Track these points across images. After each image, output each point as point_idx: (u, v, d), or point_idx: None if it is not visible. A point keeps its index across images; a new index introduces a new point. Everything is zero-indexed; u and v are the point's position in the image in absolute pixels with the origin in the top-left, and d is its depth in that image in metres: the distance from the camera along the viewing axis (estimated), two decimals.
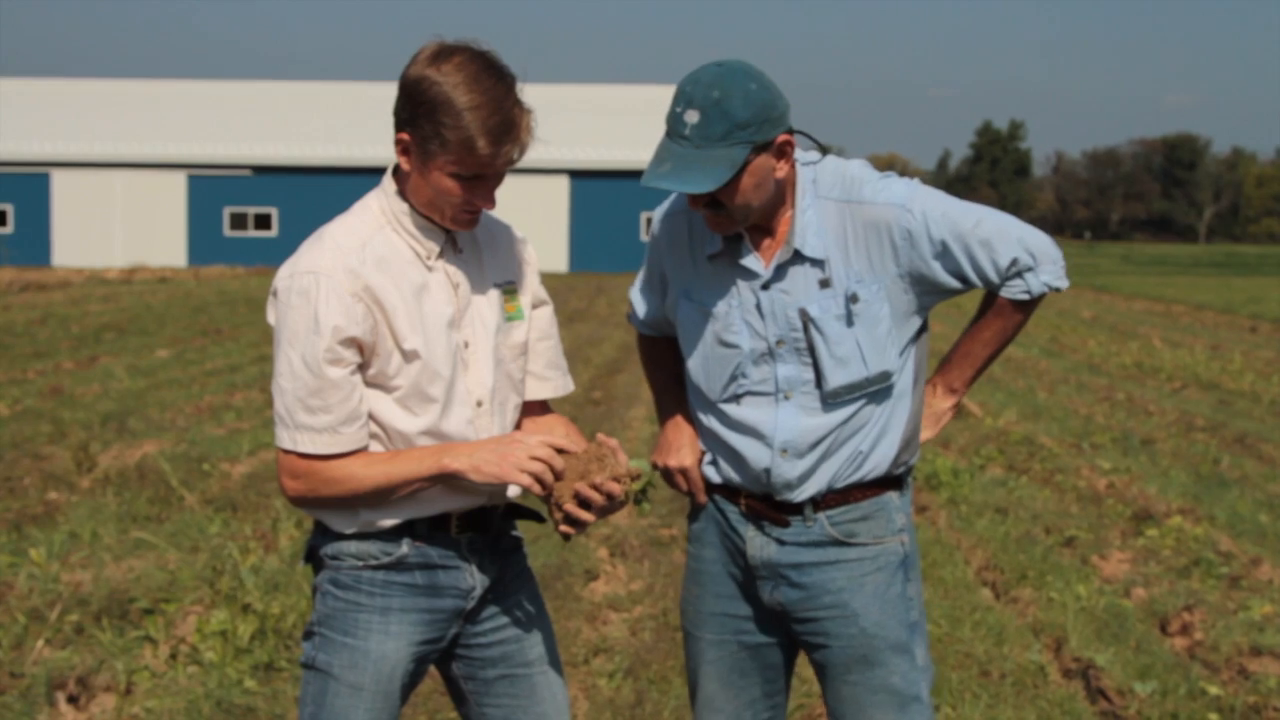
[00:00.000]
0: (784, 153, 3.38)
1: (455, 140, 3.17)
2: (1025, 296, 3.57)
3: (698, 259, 3.60)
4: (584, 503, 3.29)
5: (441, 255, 3.39)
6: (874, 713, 3.59)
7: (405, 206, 3.35)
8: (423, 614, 3.43)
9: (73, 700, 5.96)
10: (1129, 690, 6.33)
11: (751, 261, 3.50)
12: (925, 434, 3.74)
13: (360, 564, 3.39)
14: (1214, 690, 6.31)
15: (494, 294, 3.48)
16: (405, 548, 3.39)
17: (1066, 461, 12.36)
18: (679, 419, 3.77)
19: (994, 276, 3.52)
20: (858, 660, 3.59)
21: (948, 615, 7.35)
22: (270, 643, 6.61)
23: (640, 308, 3.87)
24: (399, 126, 3.28)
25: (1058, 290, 3.60)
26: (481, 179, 3.26)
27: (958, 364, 3.74)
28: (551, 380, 3.65)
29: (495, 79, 3.21)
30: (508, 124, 3.20)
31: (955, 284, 3.53)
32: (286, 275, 3.30)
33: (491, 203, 3.33)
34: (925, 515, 10.10)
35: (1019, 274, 3.53)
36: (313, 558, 3.50)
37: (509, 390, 3.52)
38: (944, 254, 3.47)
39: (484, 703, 3.60)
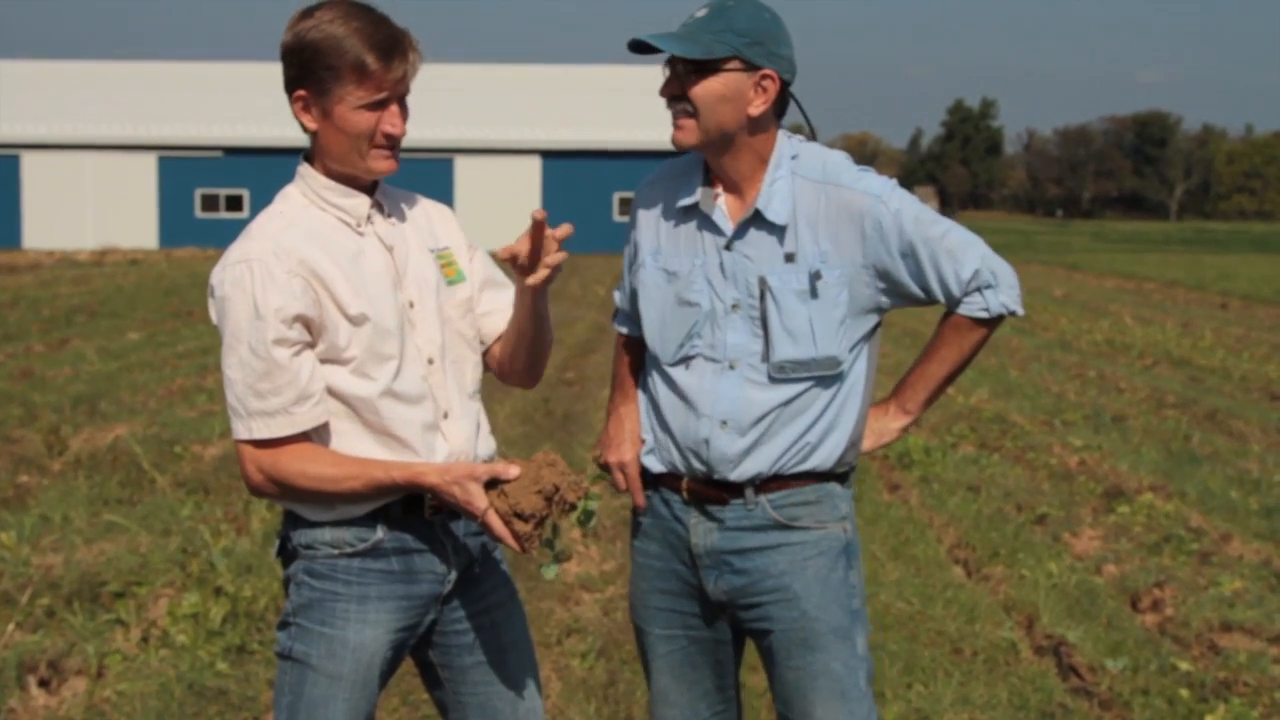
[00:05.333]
0: (764, 88, 3.43)
1: (346, 66, 3.20)
2: (984, 314, 3.59)
3: (668, 216, 3.63)
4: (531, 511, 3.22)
5: (370, 221, 3.39)
6: (815, 698, 3.58)
7: (324, 180, 3.36)
8: (400, 601, 3.40)
9: (44, 684, 5.94)
10: (1100, 666, 6.36)
11: (719, 217, 3.53)
12: (865, 444, 3.73)
13: (336, 552, 3.36)
14: (1185, 666, 6.34)
15: (429, 256, 3.48)
16: (380, 533, 3.36)
17: (1038, 439, 12.40)
18: (622, 414, 3.78)
19: (955, 288, 3.54)
20: (799, 644, 3.58)
21: (920, 593, 7.37)
22: (242, 625, 6.60)
23: (622, 304, 3.88)
24: (294, 88, 3.29)
25: (1013, 314, 3.62)
26: (383, 104, 3.27)
27: (913, 385, 3.74)
28: (502, 310, 3.60)
29: (366, 10, 3.26)
30: (393, 39, 3.25)
31: (916, 290, 3.55)
32: (219, 271, 3.29)
33: (401, 128, 3.32)
34: (897, 494, 10.12)
35: (979, 289, 3.56)
36: (284, 549, 3.48)
37: (463, 348, 3.51)
38: (910, 255, 3.50)
39: (460, 689, 3.59)
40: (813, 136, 3.65)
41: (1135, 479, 10.48)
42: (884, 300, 3.57)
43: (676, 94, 3.46)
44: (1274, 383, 16.79)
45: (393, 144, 3.34)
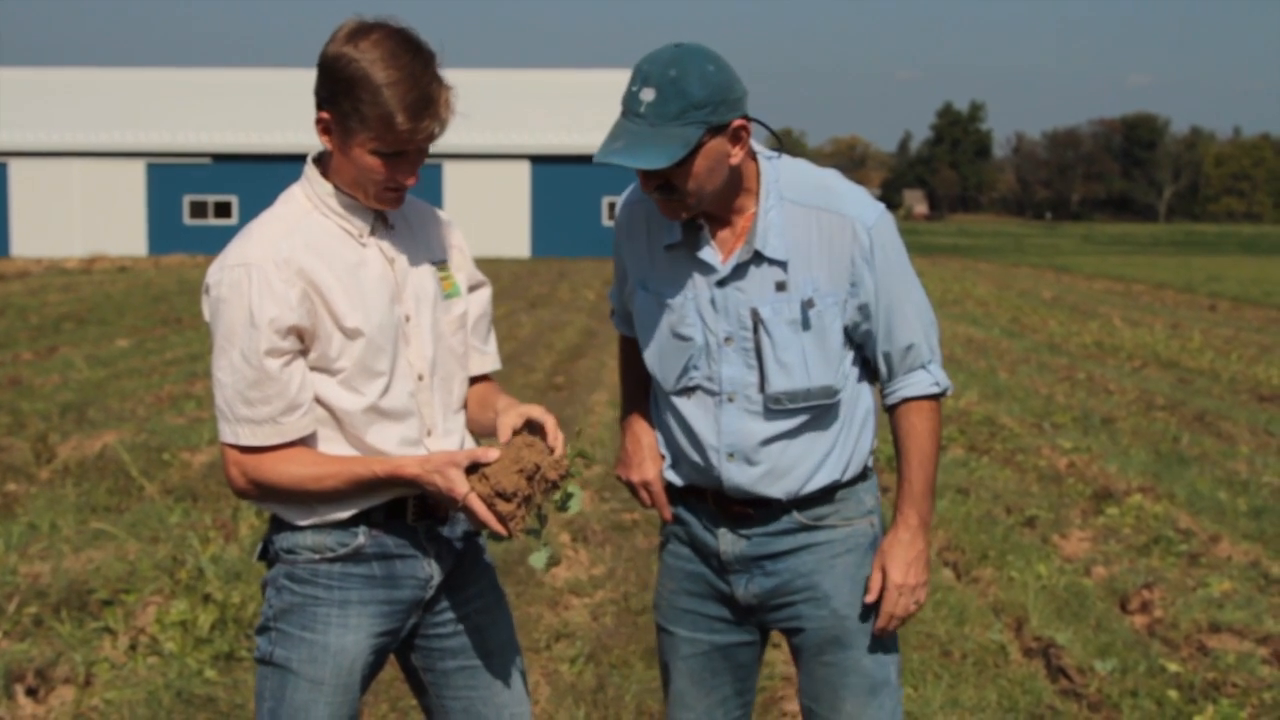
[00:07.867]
0: (739, 138, 3.30)
1: (374, 116, 3.14)
2: (935, 389, 3.55)
3: (654, 249, 3.55)
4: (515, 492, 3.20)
5: (374, 233, 3.36)
6: (846, 694, 3.57)
7: (330, 188, 3.33)
8: (381, 605, 3.39)
9: (31, 693, 5.92)
10: (1089, 668, 6.36)
11: (708, 254, 3.44)
12: (894, 576, 3.53)
13: (317, 557, 3.35)
14: (1173, 667, 6.35)
15: (429, 269, 3.45)
16: (362, 537, 3.34)
17: (1027, 441, 12.41)
18: (637, 430, 3.73)
19: (893, 347, 3.50)
20: (830, 641, 3.57)
21: None
22: (230, 632, 6.58)
23: (618, 306, 3.85)
24: (319, 105, 3.26)
25: (945, 392, 3.58)
26: (403, 155, 3.23)
27: (910, 497, 3.59)
28: (489, 354, 3.62)
29: (412, 55, 3.18)
30: (426, 99, 3.17)
31: (852, 325, 3.49)
32: (216, 270, 3.26)
33: (414, 178, 3.29)
34: (888, 497, 10.09)
35: (922, 366, 3.53)
36: (266, 553, 3.46)
37: (453, 365, 3.49)
38: (869, 291, 3.44)
39: (444, 694, 3.58)
40: (779, 147, 3.52)
41: (1124, 481, 10.49)
42: (863, 328, 3.51)
43: (661, 185, 3.31)
44: (1262, 384, 16.82)
45: (400, 189, 3.31)
